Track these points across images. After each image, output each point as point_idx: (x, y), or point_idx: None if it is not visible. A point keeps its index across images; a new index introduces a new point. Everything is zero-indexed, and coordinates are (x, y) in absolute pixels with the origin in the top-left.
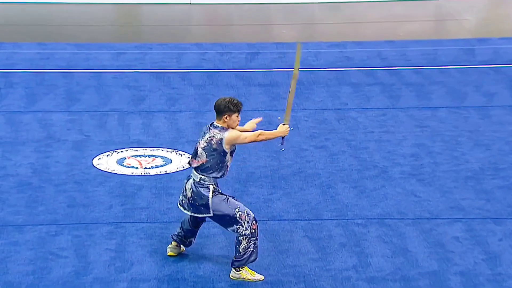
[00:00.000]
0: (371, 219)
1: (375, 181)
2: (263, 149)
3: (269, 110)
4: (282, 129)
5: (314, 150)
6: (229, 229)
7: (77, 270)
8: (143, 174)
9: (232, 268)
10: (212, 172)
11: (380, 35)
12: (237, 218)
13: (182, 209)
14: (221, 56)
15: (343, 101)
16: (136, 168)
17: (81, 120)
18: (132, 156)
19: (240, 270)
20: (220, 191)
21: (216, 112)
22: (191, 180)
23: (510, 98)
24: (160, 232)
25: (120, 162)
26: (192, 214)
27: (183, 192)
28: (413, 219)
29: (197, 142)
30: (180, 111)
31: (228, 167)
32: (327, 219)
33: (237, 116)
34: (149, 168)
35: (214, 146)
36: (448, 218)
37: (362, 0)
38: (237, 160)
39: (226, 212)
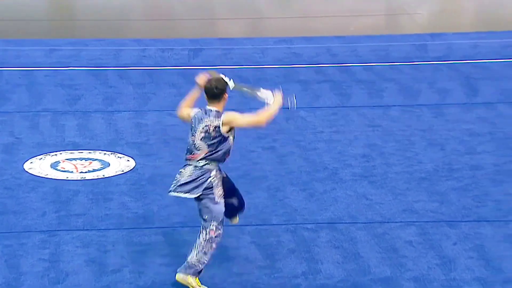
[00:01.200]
0: (321, 223)
1: (325, 184)
2: None
3: None
4: (277, 99)
5: (262, 152)
6: (202, 220)
7: (8, 282)
8: (79, 178)
9: (182, 269)
10: (214, 160)
11: (329, 30)
12: (211, 219)
13: (177, 194)
14: (162, 53)
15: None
16: (72, 172)
17: (12, 121)
18: (67, 159)
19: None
20: (219, 182)
21: (210, 96)
22: (191, 166)
23: (464, 95)
24: (98, 240)
25: (54, 166)
26: (184, 194)
27: (176, 178)
28: (364, 223)
29: (189, 134)
30: (119, 111)
31: (231, 152)
32: (275, 224)
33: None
34: (86, 172)
35: (213, 134)
36: (401, 222)
37: None
38: (179, 163)
39: (210, 207)
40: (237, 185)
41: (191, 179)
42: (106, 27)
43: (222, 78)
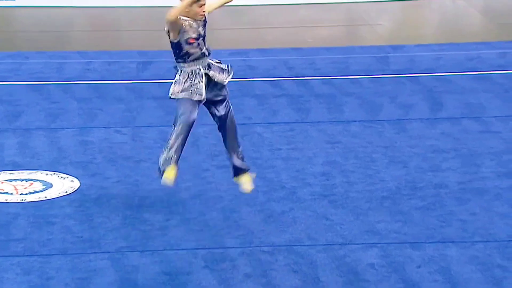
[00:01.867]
0: (279, 246)
1: (283, 204)
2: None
3: (164, 125)
4: None
5: (216, 171)
6: None
7: None
8: (19, 201)
9: None
10: (176, 59)
11: (286, 41)
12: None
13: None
14: (109, 66)
15: (246, 115)
16: (11, 194)
17: None
18: (6, 180)
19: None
20: (182, 80)
21: None
22: None
23: (428, 110)
24: (40, 266)
25: None
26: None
27: None
28: (324, 245)
29: None
30: (62, 128)
31: (192, 53)
32: (231, 247)
33: (199, 6)
34: (26, 194)
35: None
36: (363, 243)
37: (265, 3)
38: (127, 183)
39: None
40: (190, 206)
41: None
42: (48, 38)
43: None
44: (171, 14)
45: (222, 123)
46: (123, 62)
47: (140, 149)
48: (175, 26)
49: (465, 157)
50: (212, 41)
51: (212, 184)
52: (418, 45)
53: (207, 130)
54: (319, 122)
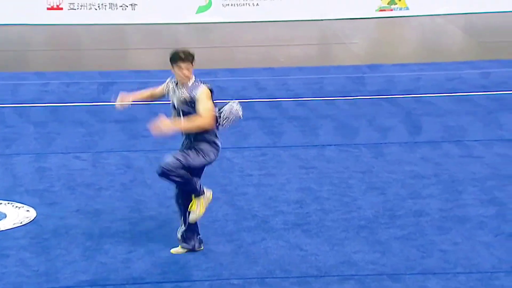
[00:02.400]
0: (250, 278)
1: (254, 233)
2: (121, 198)
3: (127, 151)
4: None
5: None
6: None
7: None
8: None
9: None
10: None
11: (256, 61)
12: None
13: None
14: (67, 87)
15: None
16: None
17: None
18: None
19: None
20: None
21: None
22: None
23: (406, 133)
24: None
25: None
26: None
27: None
28: (298, 277)
29: None
30: (17, 154)
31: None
32: (198, 280)
33: (179, 68)
34: None
35: None
36: (339, 275)
37: (233, 21)
38: (87, 212)
39: None
40: (154, 237)
41: None
42: (2, 58)
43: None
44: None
45: None
46: (83, 83)
47: (101, 176)
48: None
49: (446, 183)
50: None
51: (177, 213)
52: (396, 65)
53: None
54: (292, 146)
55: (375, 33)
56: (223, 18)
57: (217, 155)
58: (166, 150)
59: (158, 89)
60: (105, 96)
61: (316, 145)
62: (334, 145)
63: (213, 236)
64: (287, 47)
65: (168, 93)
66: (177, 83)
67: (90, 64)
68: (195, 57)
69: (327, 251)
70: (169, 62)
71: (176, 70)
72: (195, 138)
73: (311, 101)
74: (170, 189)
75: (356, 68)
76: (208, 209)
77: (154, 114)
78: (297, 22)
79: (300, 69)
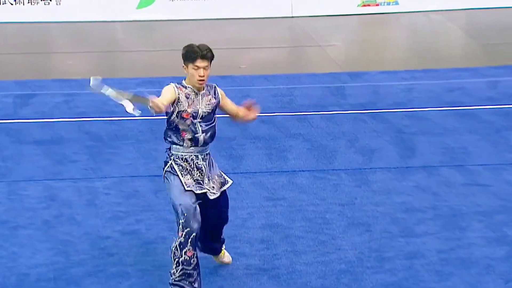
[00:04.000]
0: None
1: (209, 281)
2: (43, 238)
3: (51, 179)
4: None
5: (120, 238)
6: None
7: None
8: None
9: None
10: (168, 137)
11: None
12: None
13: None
14: None
15: (159, 164)
16: None
17: None
18: None
19: None
20: (175, 167)
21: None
22: None
23: (396, 156)
24: None
25: None
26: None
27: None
28: None
29: None
30: None
31: (185, 134)
32: None
33: (196, 68)
34: None
35: None
36: None
37: (183, 18)
38: (1, 256)
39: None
40: (86, 286)
41: None
42: None
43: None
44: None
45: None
46: None
47: (18, 211)
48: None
49: (445, 217)
50: (116, 67)
51: (115, 256)
52: (383, 72)
53: (109, 184)
54: (256, 172)
55: (357, 33)
56: (170, 14)
57: None
58: (99, 178)
59: (168, 95)
60: (23, 112)
61: (285, 171)
62: (308, 170)
63: (159, 284)
64: (249, 50)
65: (177, 103)
66: (193, 90)
67: (4, 71)
68: (138, 64)
69: None
70: (182, 60)
71: (191, 71)
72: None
73: (279, 116)
74: (105, 227)
75: (335, 76)
76: (152, 251)
77: (85, 133)
78: (262, 20)
79: (266, 78)
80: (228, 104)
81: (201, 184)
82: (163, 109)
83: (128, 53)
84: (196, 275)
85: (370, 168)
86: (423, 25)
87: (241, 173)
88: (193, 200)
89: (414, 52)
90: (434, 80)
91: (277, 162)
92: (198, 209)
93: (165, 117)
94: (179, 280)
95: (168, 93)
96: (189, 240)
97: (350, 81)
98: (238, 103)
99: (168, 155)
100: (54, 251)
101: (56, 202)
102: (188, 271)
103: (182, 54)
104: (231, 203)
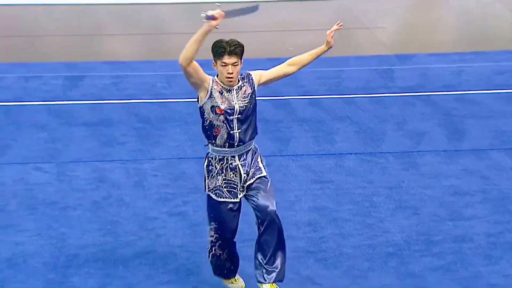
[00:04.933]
0: None
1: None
2: (92, 219)
3: (100, 161)
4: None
5: (167, 219)
6: None
7: None
8: None
9: None
10: (204, 134)
11: (260, 50)
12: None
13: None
14: (26, 83)
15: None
16: None
17: None
18: None
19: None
20: (213, 170)
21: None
22: None
23: (445, 139)
24: None
25: None
26: None
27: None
28: None
29: None
30: None
31: (219, 131)
32: None
33: (222, 64)
34: None
35: None
36: None
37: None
38: (51, 237)
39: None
40: (133, 267)
41: None
42: None
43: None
44: (181, 56)
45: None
46: (44, 78)
47: (67, 192)
48: (193, 79)
49: (495, 201)
50: (163, 50)
51: (162, 238)
52: (432, 54)
53: (156, 166)
54: (303, 155)
55: (406, 15)
56: None
57: None
58: (147, 160)
59: (202, 76)
60: (72, 94)
61: (332, 154)
62: (355, 153)
63: (206, 266)
64: (297, 33)
65: (210, 96)
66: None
67: (53, 53)
68: (184, 45)
69: (347, 285)
70: (212, 55)
71: (219, 67)
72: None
73: (327, 99)
74: (152, 209)
75: (383, 59)
76: (200, 233)
77: (134, 115)
78: (311, 2)
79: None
80: (273, 73)
81: (233, 187)
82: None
83: (175, 35)
84: (229, 265)
85: (418, 151)
86: (473, 7)
87: (288, 155)
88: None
89: (464, 34)
90: (483, 62)
91: (324, 145)
92: (231, 216)
93: None
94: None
95: (203, 75)
96: (218, 243)
97: (399, 64)
98: (284, 84)
99: (206, 153)
100: (103, 232)
101: (105, 183)
102: (220, 263)
103: (211, 50)
104: (278, 185)
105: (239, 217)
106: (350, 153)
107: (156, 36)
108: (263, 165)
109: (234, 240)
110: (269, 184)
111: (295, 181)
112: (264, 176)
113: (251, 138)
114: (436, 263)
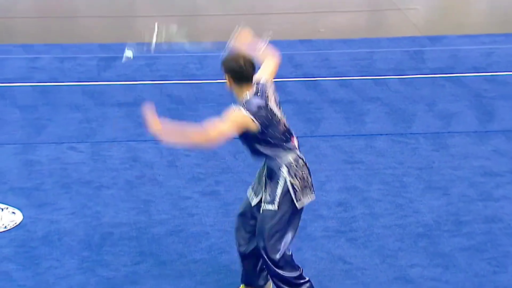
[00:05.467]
0: None
1: None
2: (126, 198)
3: (133, 140)
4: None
5: (200, 199)
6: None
7: None
8: None
9: None
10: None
11: (291, 32)
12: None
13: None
14: (61, 63)
15: None
16: None
17: None
18: None
19: None
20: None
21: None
22: (302, 160)
23: (475, 120)
24: None
25: None
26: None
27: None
28: None
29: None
30: (0, 144)
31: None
32: None
33: None
34: None
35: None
36: None
37: None
38: (85, 215)
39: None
40: (166, 245)
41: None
42: None
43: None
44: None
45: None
46: (79, 58)
47: (101, 171)
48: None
49: None
50: (195, 31)
51: (195, 217)
52: (462, 36)
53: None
54: (334, 136)
55: None
56: None
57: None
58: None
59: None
60: (106, 75)
61: (363, 135)
62: (386, 134)
63: None
64: (328, 14)
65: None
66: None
67: (87, 35)
68: (219, 28)
69: (377, 264)
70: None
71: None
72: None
73: (358, 80)
74: (185, 188)
75: (414, 40)
76: (231, 212)
77: (166, 96)
78: None
79: (345, 42)
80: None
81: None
82: None
83: (208, 17)
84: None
85: (448, 132)
86: None
87: (319, 136)
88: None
89: (494, 16)
90: None
91: (355, 126)
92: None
93: None
94: None
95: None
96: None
97: (430, 45)
98: (315, 66)
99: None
100: (136, 210)
101: (138, 163)
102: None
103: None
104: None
105: None
106: (381, 134)
107: (189, 18)
108: None
109: None
110: None
111: (326, 162)
112: None
113: (255, 158)
114: (465, 243)
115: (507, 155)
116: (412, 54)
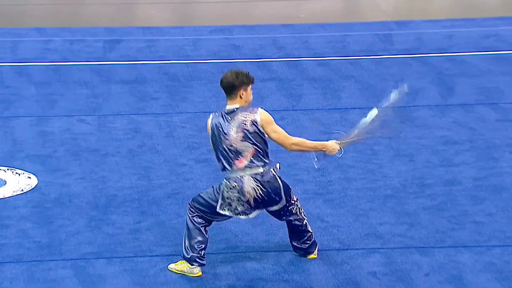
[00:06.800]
0: (267, 251)
1: None
2: (128, 165)
3: (135, 114)
4: (331, 146)
5: (194, 165)
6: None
7: None
8: None
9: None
10: (265, 157)
11: (275, 17)
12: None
13: (246, 217)
14: (71, 45)
15: None
16: None
17: None
18: None
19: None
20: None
21: (227, 91)
22: (246, 179)
23: (438, 95)
24: None
25: None
26: (268, 209)
27: (238, 199)
28: (319, 250)
29: (217, 142)
30: (17, 116)
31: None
32: (212, 253)
33: (251, 89)
34: None
35: (251, 129)
36: (363, 249)
37: None
38: (93, 180)
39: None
40: (164, 206)
41: (268, 195)
42: (1, 13)
43: (243, 72)
44: (292, 148)
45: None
46: (87, 41)
47: (107, 141)
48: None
49: (480, 149)
50: (191, 17)
51: (190, 181)
52: (426, 21)
53: (184, 119)
54: (313, 109)
55: None
56: None
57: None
58: (176, 113)
59: None
60: (111, 55)
61: (339, 108)
62: (358, 108)
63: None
64: (308, 1)
65: None
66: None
67: (95, 19)
68: (211, 14)
69: (351, 222)
70: (246, 82)
71: (250, 91)
72: None
73: (334, 60)
74: (181, 156)
75: (383, 24)
76: (221, 176)
77: (164, 74)
78: None
79: (322, 26)
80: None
81: None
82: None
83: (201, 4)
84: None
85: (414, 106)
86: None
87: (299, 110)
88: None
89: (454, 3)
90: (472, 27)
91: (332, 101)
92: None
93: None
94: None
95: None
96: None
97: (397, 29)
98: (298, 48)
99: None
100: (138, 176)
101: (140, 133)
102: None
103: (244, 78)
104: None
105: None
106: (354, 108)
107: (185, 4)
108: None
109: None
110: None
111: (306, 133)
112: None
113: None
114: (428, 204)
115: (465, 126)
116: (382, 37)
